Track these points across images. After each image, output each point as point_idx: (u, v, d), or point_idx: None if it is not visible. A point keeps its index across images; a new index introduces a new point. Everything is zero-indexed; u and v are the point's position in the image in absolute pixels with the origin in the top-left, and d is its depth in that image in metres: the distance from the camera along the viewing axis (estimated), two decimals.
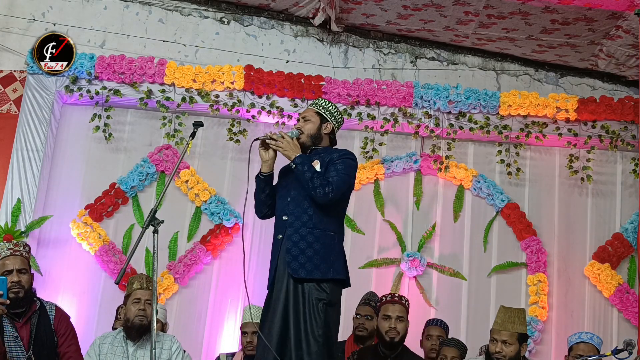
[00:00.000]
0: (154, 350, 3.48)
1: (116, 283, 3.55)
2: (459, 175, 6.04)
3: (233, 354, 4.75)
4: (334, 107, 4.00)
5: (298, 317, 3.63)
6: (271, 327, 3.64)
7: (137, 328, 4.02)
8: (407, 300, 4.71)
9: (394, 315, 4.51)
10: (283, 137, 3.78)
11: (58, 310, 4.05)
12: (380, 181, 6.02)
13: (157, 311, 3.68)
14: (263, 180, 3.89)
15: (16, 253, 3.96)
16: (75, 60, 5.77)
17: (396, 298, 4.66)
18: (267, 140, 3.80)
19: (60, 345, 3.96)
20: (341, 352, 4.74)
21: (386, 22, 6.17)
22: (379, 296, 4.87)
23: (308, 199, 3.75)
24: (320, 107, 3.94)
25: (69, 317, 4.15)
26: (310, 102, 4.00)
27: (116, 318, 4.94)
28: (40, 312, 3.94)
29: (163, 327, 4.84)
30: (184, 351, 4.43)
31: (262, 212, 3.99)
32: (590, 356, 4.15)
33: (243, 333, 4.57)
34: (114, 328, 4.83)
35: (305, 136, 3.87)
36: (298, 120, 4.05)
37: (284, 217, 3.78)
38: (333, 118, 3.95)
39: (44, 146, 5.66)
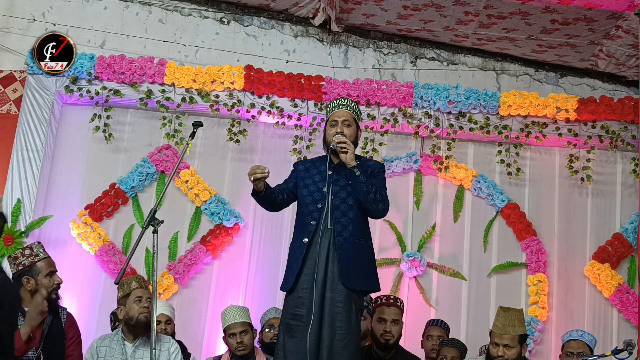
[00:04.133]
0: (154, 351, 3.48)
1: (116, 283, 3.56)
2: (459, 175, 6.04)
3: (219, 357, 4.74)
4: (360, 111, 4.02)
5: (334, 325, 3.63)
6: (305, 334, 3.62)
7: (143, 325, 4.02)
8: (402, 302, 4.71)
9: (389, 318, 4.51)
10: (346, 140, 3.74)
11: (69, 315, 4.10)
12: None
13: (157, 311, 3.69)
14: (263, 196, 3.79)
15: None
16: (75, 60, 5.77)
17: (391, 300, 4.65)
18: (337, 145, 3.72)
19: (67, 348, 3.99)
20: None
21: (386, 22, 6.17)
22: (375, 297, 4.86)
23: (354, 209, 3.76)
24: (356, 113, 3.92)
25: (77, 324, 4.21)
26: (341, 102, 3.93)
27: (112, 322, 4.90)
28: (54, 314, 3.97)
29: (172, 326, 4.84)
30: (190, 354, 4.43)
31: (277, 207, 3.96)
32: (590, 356, 4.15)
33: (230, 335, 4.54)
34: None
35: None
36: (327, 121, 3.95)
37: (312, 222, 3.74)
38: (359, 124, 3.98)
39: (44, 146, 5.66)
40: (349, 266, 3.69)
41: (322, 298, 3.65)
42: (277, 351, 3.78)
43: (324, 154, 3.96)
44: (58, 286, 3.91)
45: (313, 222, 3.74)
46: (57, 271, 3.97)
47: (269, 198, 3.83)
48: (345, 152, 3.71)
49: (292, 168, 4.07)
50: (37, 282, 3.80)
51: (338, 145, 3.72)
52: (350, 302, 3.68)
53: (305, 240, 3.72)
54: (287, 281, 3.78)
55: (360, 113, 4.01)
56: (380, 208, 3.78)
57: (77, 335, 4.08)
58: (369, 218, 3.91)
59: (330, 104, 3.99)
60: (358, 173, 3.70)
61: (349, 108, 3.90)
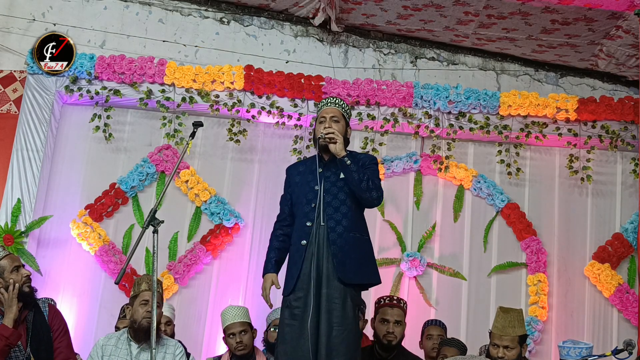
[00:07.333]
0: (154, 350, 3.48)
1: (116, 283, 3.55)
2: (459, 175, 6.04)
3: (220, 357, 4.74)
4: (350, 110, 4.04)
5: (331, 321, 3.62)
6: (303, 331, 3.63)
7: (144, 330, 4.02)
8: (405, 303, 4.71)
9: (392, 319, 4.51)
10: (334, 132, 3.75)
11: (51, 306, 4.08)
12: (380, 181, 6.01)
13: (156, 311, 3.69)
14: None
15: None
16: (75, 60, 5.77)
17: (395, 301, 4.65)
18: (325, 136, 3.73)
19: (54, 341, 3.98)
20: None
21: (386, 22, 6.17)
22: (378, 297, 4.86)
23: (347, 204, 3.76)
24: (345, 110, 3.93)
25: (61, 313, 4.18)
26: (330, 100, 3.99)
27: (119, 317, 4.93)
28: (35, 309, 3.96)
29: (172, 327, 4.84)
30: (189, 354, 4.43)
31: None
32: (590, 356, 4.15)
33: (229, 335, 4.55)
34: (116, 327, 4.83)
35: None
36: (317, 118, 3.97)
37: (308, 224, 3.76)
38: (349, 121, 3.98)
39: (44, 146, 5.66)
40: (344, 261, 3.69)
41: (319, 295, 3.65)
42: (277, 351, 3.79)
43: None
44: (28, 278, 3.92)
45: (309, 224, 3.77)
46: (23, 265, 3.98)
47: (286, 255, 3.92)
48: (335, 143, 3.73)
49: (285, 175, 4.07)
50: (5, 280, 3.83)
51: (326, 136, 3.74)
52: (347, 297, 3.68)
53: (304, 242, 3.74)
54: (287, 285, 3.79)
55: (351, 112, 4.03)
56: (374, 196, 3.78)
57: (62, 325, 4.06)
58: (366, 211, 3.93)
59: (319, 103, 4.03)
60: (349, 162, 3.71)
61: (337, 106, 3.93)
